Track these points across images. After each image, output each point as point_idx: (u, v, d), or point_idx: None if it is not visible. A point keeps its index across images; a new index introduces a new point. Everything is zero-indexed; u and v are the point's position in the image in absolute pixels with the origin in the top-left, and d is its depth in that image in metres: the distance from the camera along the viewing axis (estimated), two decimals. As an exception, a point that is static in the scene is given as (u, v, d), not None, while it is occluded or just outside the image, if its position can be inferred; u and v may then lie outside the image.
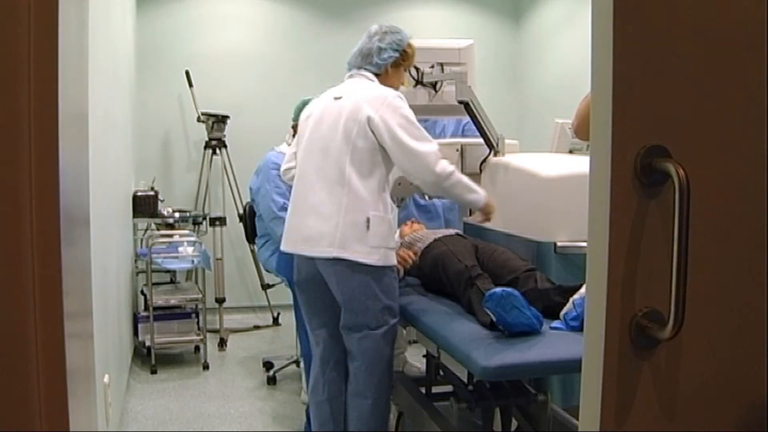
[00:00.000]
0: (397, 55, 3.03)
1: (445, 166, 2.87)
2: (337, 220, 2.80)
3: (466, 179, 2.97)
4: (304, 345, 3.65)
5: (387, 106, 2.82)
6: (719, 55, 1.14)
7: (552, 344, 2.37)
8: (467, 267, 2.80)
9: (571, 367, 2.22)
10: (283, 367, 4.78)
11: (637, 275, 1.12)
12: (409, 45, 3.08)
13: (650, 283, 1.12)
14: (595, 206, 1.13)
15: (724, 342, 1.16)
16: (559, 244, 2.91)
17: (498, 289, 2.38)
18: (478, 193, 3.02)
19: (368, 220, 2.79)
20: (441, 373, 3.25)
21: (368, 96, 2.87)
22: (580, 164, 3.11)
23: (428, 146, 2.85)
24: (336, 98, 2.95)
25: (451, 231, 3.36)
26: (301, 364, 4.18)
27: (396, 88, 3.03)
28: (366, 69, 3.02)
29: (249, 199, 4.63)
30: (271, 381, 4.64)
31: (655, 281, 1.11)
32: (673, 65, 1.12)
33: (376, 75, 3.02)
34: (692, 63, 1.11)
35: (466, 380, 2.98)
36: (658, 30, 1.11)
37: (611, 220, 1.09)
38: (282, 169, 3.27)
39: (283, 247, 3.06)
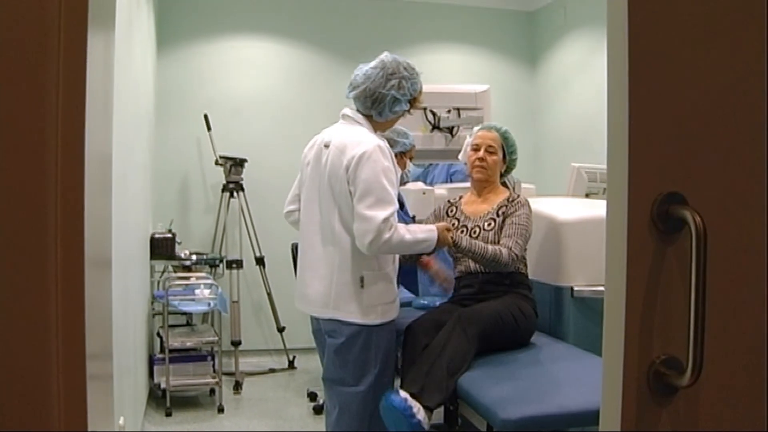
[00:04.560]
0: (408, 106, 2.87)
1: (378, 244, 2.58)
2: (330, 280, 2.74)
3: (404, 237, 2.66)
4: None
5: (364, 158, 2.64)
6: (736, 103, 1.15)
7: (572, 395, 2.35)
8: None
9: (592, 419, 2.19)
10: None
11: (654, 322, 1.12)
12: (420, 90, 2.88)
13: (668, 330, 1.12)
14: (612, 252, 1.13)
15: (743, 389, 1.16)
16: (575, 288, 2.91)
17: (395, 401, 2.58)
18: (425, 241, 2.76)
19: (362, 279, 2.71)
20: (459, 421, 3.22)
21: (350, 148, 2.69)
22: (596, 208, 3.11)
23: (375, 213, 2.58)
24: (326, 145, 2.82)
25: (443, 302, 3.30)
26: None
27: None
28: (366, 113, 2.87)
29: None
30: (319, 410, 4.75)
31: (673, 328, 1.11)
32: (689, 112, 1.13)
33: (374, 120, 2.87)
34: (709, 110, 1.12)
35: (485, 430, 2.94)
36: (673, 77, 1.12)
37: (628, 266, 1.10)
38: (284, 211, 3.13)
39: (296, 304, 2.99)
